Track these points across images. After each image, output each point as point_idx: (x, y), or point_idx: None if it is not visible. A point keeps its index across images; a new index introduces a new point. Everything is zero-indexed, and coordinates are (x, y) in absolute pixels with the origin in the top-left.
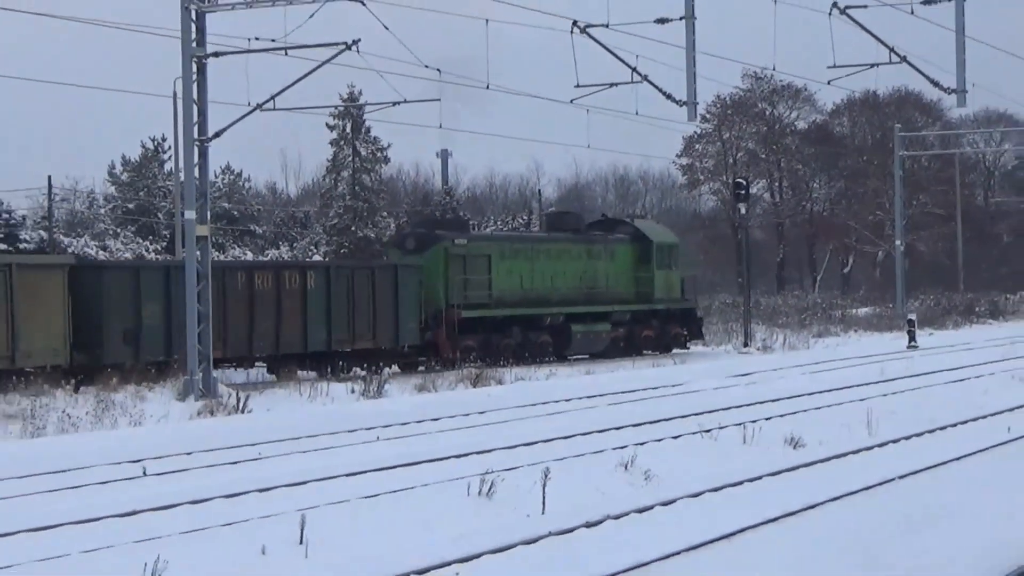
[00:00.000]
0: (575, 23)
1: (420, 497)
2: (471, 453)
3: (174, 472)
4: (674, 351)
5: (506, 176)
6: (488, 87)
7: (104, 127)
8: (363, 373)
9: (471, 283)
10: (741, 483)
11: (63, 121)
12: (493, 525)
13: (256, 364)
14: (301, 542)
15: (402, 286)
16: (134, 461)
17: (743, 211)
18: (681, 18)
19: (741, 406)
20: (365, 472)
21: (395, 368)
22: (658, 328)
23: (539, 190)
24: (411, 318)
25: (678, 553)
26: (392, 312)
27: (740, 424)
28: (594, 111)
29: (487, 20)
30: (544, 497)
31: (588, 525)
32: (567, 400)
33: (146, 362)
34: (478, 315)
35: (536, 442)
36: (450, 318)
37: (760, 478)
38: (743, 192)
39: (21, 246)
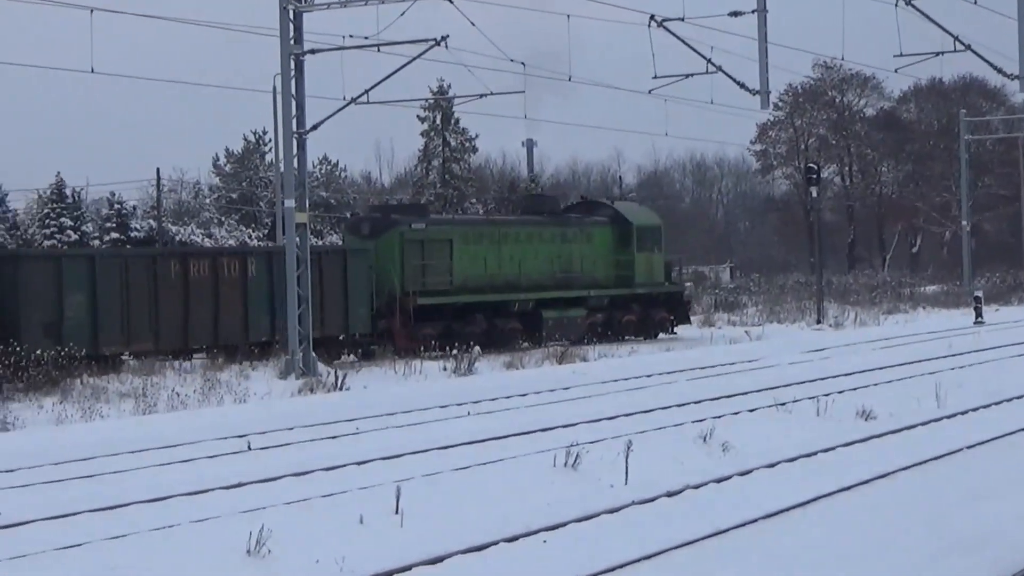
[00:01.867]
0: (652, 17)
1: (508, 469)
2: (557, 427)
3: (277, 446)
4: (660, 336)
5: (588, 164)
6: (570, 79)
7: (209, 121)
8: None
9: (430, 269)
10: (815, 454)
11: (171, 116)
12: (578, 495)
13: (194, 357)
14: (397, 512)
15: (351, 272)
16: (239, 436)
17: (815, 194)
18: (753, 11)
19: (815, 380)
20: (457, 445)
21: (352, 357)
22: (640, 313)
23: (620, 177)
24: (361, 305)
25: (755, 521)
26: (341, 300)
27: (814, 397)
28: (671, 101)
29: (568, 15)
30: (627, 468)
31: (669, 495)
32: (648, 376)
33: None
34: (436, 302)
35: (619, 416)
36: (405, 306)
37: (833, 449)
38: (815, 176)
39: (131, 235)
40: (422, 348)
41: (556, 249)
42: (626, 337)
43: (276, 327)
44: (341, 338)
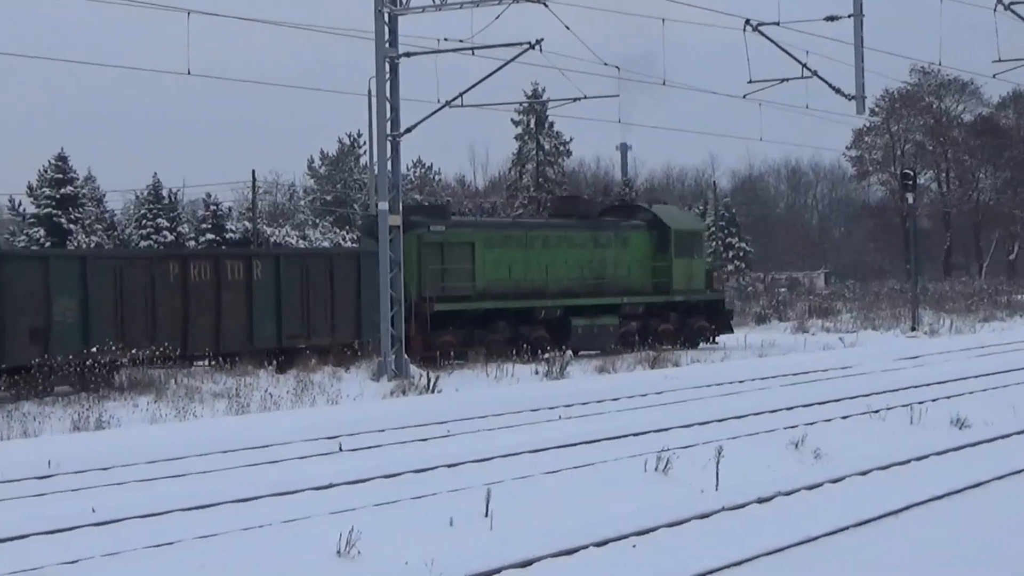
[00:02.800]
0: (747, 21)
1: (599, 473)
2: (648, 431)
3: (368, 448)
4: (701, 346)
5: (683, 168)
6: (664, 83)
7: (303, 124)
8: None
9: (450, 273)
10: (908, 462)
11: (266, 118)
12: (669, 500)
13: (195, 364)
14: (487, 514)
15: (365, 276)
16: (331, 437)
17: (911, 201)
18: (850, 15)
19: (908, 388)
20: (548, 449)
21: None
22: (678, 321)
23: (714, 181)
24: (376, 312)
25: (846, 528)
26: (353, 305)
27: (907, 405)
28: (766, 105)
29: (663, 19)
30: (718, 474)
31: (760, 501)
32: (740, 382)
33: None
34: (455, 308)
35: (710, 421)
36: (421, 312)
37: (926, 457)
38: (911, 182)
39: (227, 236)
40: (439, 356)
41: (588, 254)
42: (663, 347)
43: (283, 334)
44: (356, 345)
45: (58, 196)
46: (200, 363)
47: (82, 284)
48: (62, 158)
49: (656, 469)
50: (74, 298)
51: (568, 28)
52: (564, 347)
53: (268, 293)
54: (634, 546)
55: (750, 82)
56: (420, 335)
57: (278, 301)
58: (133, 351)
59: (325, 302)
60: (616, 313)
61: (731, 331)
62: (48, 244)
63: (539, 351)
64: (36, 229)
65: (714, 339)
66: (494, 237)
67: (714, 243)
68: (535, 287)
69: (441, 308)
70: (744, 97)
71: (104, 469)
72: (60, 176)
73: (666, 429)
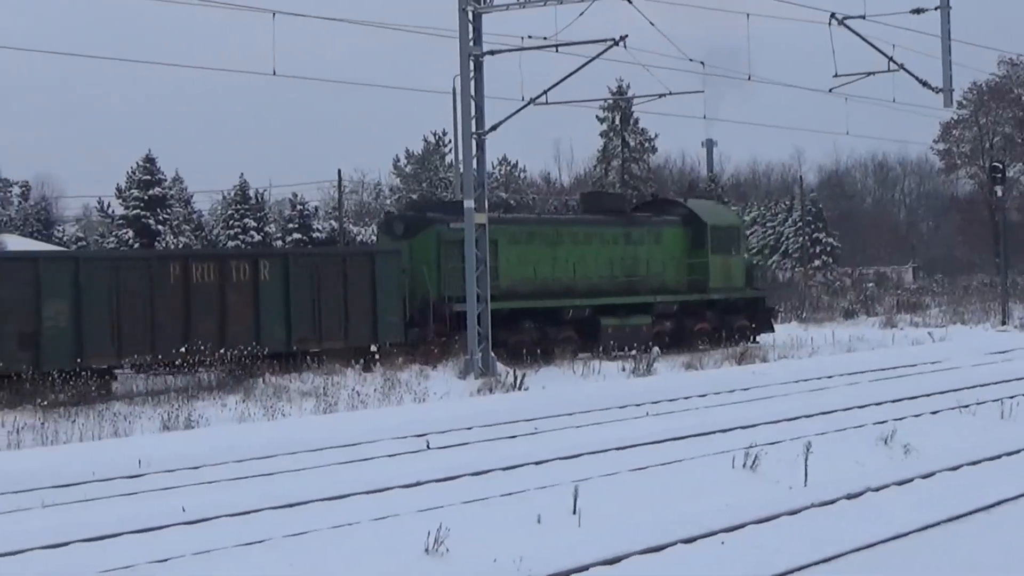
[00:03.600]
0: (833, 15)
1: (687, 469)
2: (736, 428)
3: (456, 446)
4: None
5: (768, 163)
6: (749, 78)
7: (389, 123)
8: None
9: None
10: (999, 457)
11: (352, 118)
12: (757, 496)
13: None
14: (574, 511)
15: (380, 277)
16: (418, 435)
17: (1000, 194)
18: (936, 7)
19: (999, 382)
20: (635, 446)
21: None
22: (715, 321)
23: (800, 176)
24: (392, 313)
25: (937, 524)
26: (368, 307)
27: (998, 400)
28: (852, 99)
29: (748, 15)
30: (806, 470)
31: (849, 497)
32: (828, 377)
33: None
34: None
35: (798, 417)
36: (440, 312)
37: (1018, 452)
38: (1000, 175)
39: (313, 235)
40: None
41: (619, 251)
42: (699, 347)
43: (292, 337)
44: (373, 349)
45: (146, 197)
46: (205, 368)
47: (75, 286)
48: (150, 160)
49: (744, 465)
50: (66, 301)
51: (652, 24)
52: (593, 349)
53: (276, 295)
54: (722, 543)
55: (836, 76)
56: (439, 337)
57: (287, 303)
58: (132, 356)
59: (338, 304)
60: (649, 312)
61: (772, 330)
62: (136, 245)
63: (567, 352)
64: (125, 230)
65: (754, 339)
66: (518, 234)
67: (801, 238)
68: (562, 286)
69: (461, 308)
70: (830, 91)
71: (193, 468)
72: (148, 177)
73: (754, 425)
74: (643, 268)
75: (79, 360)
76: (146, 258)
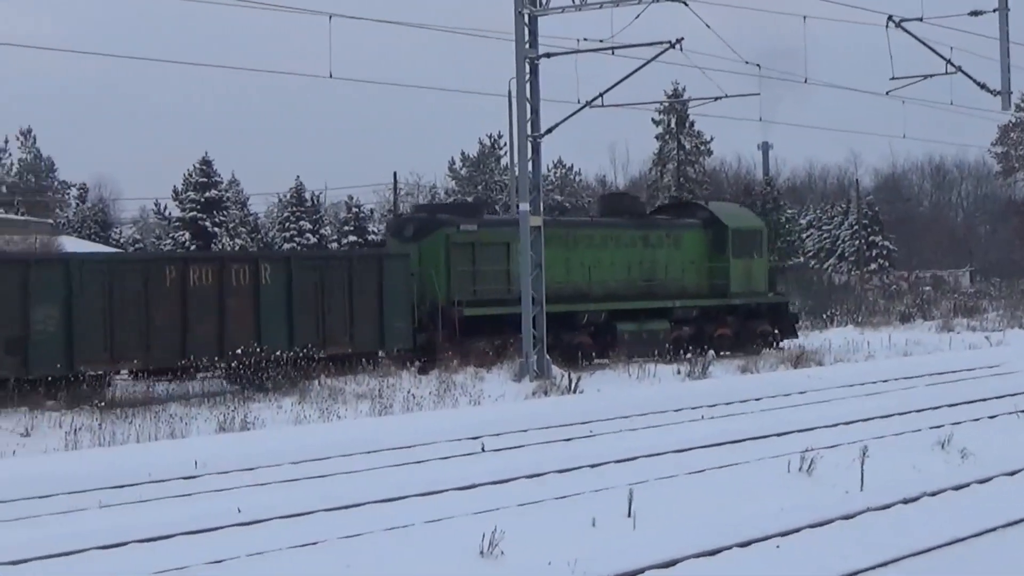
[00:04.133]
0: (890, 18)
1: (743, 473)
2: (791, 431)
3: (511, 448)
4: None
5: (824, 166)
6: (806, 81)
7: (444, 125)
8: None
9: (482, 275)
10: None
11: (407, 121)
12: (812, 501)
13: (199, 376)
14: (629, 515)
15: (388, 280)
16: (473, 438)
17: None
18: (995, 10)
19: None
20: (690, 449)
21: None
22: (737, 326)
23: (856, 180)
24: (400, 318)
25: (995, 529)
26: (375, 311)
27: None
28: (909, 102)
29: (804, 16)
30: (862, 474)
31: (905, 501)
32: (884, 381)
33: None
34: (486, 313)
35: (854, 421)
36: (449, 317)
37: None
38: None
39: (368, 238)
40: (472, 366)
41: (637, 254)
42: (721, 353)
43: (295, 343)
44: (380, 355)
45: (203, 200)
46: (204, 374)
47: (66, 290)
48: (206, 162)
49: (800, 469)
50: (56, 305)
51: (709, 27)
52: (609, 354)
53: (278, 299)
54: (778, 547)
55: (893, 79)
56: (448, 342)
57: (289, 308)
58: (126, 362)
59: (343, 309)
60: (667, 317)
61: (796, 336)
62: (193, 247)
63: (581, 359)
64: (181, 232)
65: (778, 344)
66: None
67: (857, 242)
68: (578, 290)
69: (472, 313)
70: (887, 94)
71: (249, 470)
72: (205, 180)
73: (809, 429)
74: (661, 272)
75: (70, 366)
76: (141, 261)
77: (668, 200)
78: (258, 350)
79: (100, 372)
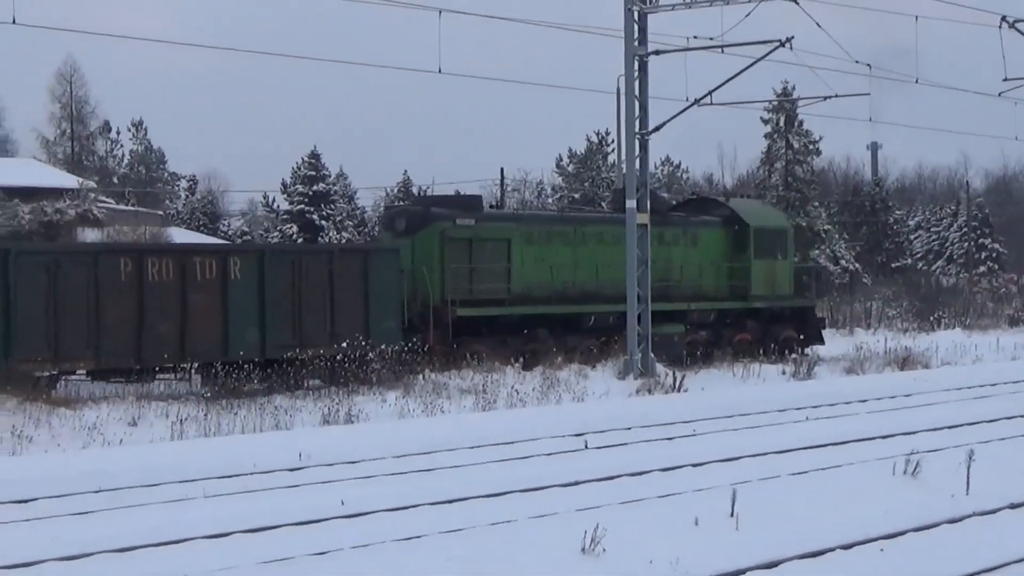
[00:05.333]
0: (1004, 18)
1: (846, 475)
2: (897, 434)
3: (614, 446)
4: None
5: (934, 167)
6: (917, 81)
7: (552, 122)
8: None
9: (480, 273)
10: None
11: (515, 116)
12: (917, 504)
13: (159, 378)
14: (732, 515)
15: (374, 277)
16: (577, 435)
17: None
18: None
19: None
20: (794, 450)
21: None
22: (758, 331)
23: (967, 181)
24: (388, 317)
25: None
26: (360, 310)
27: None
28: (1022, 104)
29: (916, 16)
30: (968, 478)
31: (1012, 507)
32: (992, 385)
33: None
34: (483, 313)
35: (961, 424)
36: (442, 318)
37: None
38: None
39: None
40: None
41: (651, 254)
42: (740, 359)
43: (267, 343)
44: (369, 357)
45: (311, 193)
46: (165, 376)
47: (2, 282)
48: (315, 155)
49: (904, 472)
50: None
51: (819, 26)
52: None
53: (249, 295)
54: (882, 550)
55: (1006, 80)
56: (441, 344)
57: (262, 305)
58: (71, 363)
59: (323, 306)
60: (682, 321)
61: (822, 342)
62: (300, 240)
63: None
64: (289, 225)
65: (802, 351)
66: (535, 233)
67: (966, 244)
68: (584, 290)
69: (466, 313)
70: (999, 95)
71: (353, 462)
72: (313, 173)
73: (915, 432)
74: (677, 273)
75: (4, 365)
76: (90, 252)
77: (688, 197)
78: (226, 352)
79: (44, 373)
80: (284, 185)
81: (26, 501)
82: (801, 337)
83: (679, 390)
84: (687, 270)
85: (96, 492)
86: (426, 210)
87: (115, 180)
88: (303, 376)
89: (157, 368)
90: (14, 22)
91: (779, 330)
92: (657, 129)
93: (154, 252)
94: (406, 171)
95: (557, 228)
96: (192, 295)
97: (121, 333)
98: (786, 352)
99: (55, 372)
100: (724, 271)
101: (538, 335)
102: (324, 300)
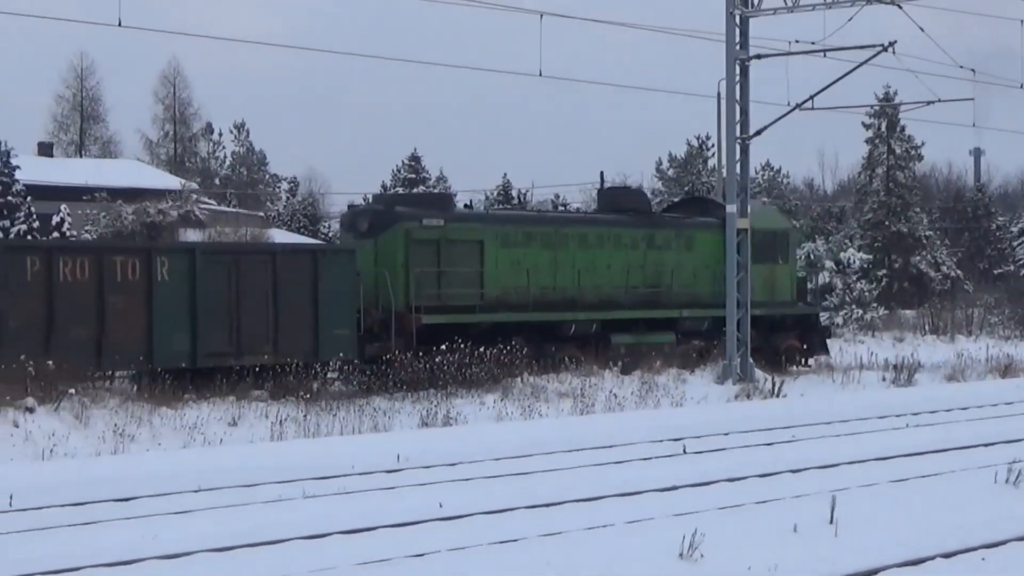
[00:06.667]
0: None
1: (947, 482)
2: (998, 442)
3: (712, 451)
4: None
5: None
6: (1022, 86)
7: (652, 126)
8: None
9: (449, 278)
10: None
11: (615, 120)
12: (1019, 513)
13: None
14: (831, 522)
15: (325, 280)
16: (675, 439)
17: None
18: None
19: None
20: (894, 457)
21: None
22: (757, 340)
23: None
24: (340, 324)
25: None
26: (309, 316)
27: None
28: None
29: (1022, 20)
30: None
31: None
32: None
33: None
34: (449, 321)
35: None
36: (406, 325)
37: None
38: None
39: None
40: (437, 380)
41: (639, 256)
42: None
43: (199, 351)
44: (317, 368)
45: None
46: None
47: None
48: (415, 158)
49: (1007, 481)
50: None
51: (923, 30)
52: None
53: (178, 299)
54: (983, 559)
55: None
56: (404, 354)
57: (193, 309)
58: None
59: (264, 312)
60: (671, 329)
61: (827, 352)
62: None
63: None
64: None
65: (806, 362)
66: (510, 234)
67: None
68: (565, 296)
69: (432, 320)
70: None
71: (451, 465)
72: (413, 176)
73: (1017, 440)
74: (668, 277)
75: None
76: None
77: (681, 198)
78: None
79: None
80: (384, 187)
81: (128, 499)
82: (804, 347)
83: (778, 395)
84: (679, 275)
85: (196, 491)
86: (389, 209)
87: (217, 181)
88: (240, 387)
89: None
90: (120, 25)
91: (780, 339)
92: (758, 133)
93: (66, 250)
94: (505, 174)
95: (535, 229)
96: (111, 297)
97: (25, 337)
98: (785, 361)
99: None
100: (720, 276)
101: (513, 344)
102: (266, 305)
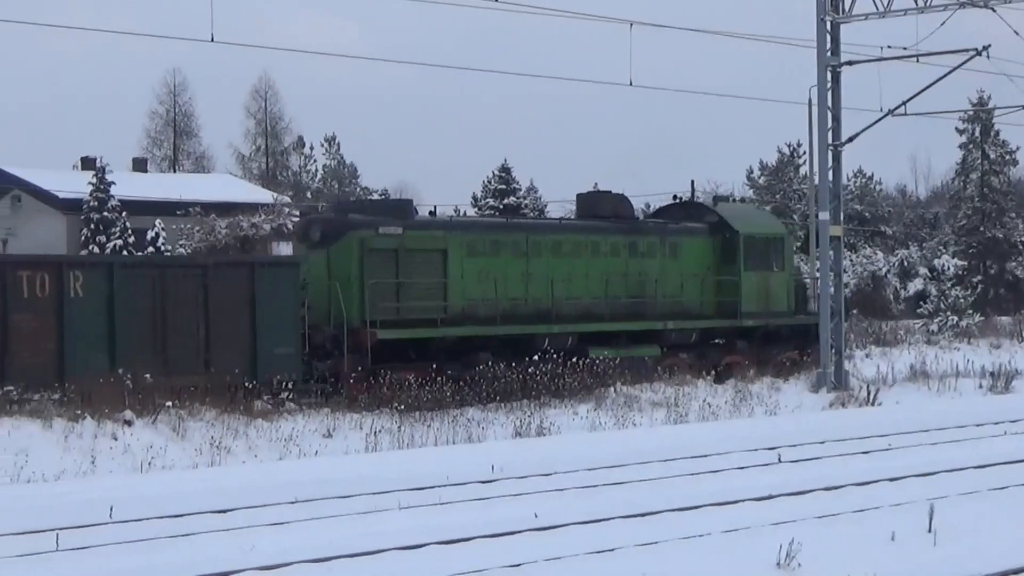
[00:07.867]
0: None
1: None
2: None
3: (807, 460)
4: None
5: None
6: None
7: (742, 133)
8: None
9: (409, 290)
10: None
11: (706, 129)
12: None
13: None
14: (930, 530)
15: (263, 295)
16: (769, 448)
17: None
18: None
19: None
20: (993, 465)
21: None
22: (751, 353)
23: None
24: (282, 342)
25: None
26: (245, 333)
27: None
28: None
29: None
30: None
31: None
32: None
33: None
34: (409, 336)
35: None
36: (360, 341)
37: None
38: None
39: None
40: (392, 401)
41: (619, 265)
42: (729, 383)
43: (117, 367)
44: (251, 387)
45: (501, 206)
46: None
47: None
48: (506, 169)
49: None
50: None
51: (1017, 33)
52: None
53: (95, 315)
54: None
55: None
56: (359, 373)
57: (111, 327)
58: None
59: (195, 329)
60: (656, 342)
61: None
62: None
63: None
64: None
65: (801, 374)
66: (477, 242)
67: None
68: (538, 308)
69: (389, 336)
70: None
71: (545, 475)
72: (503, 187)
73: None
74: (652, 287)
75: None
76: None
77: (670, 202)
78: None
79: None
80: (475, 199)
81: (225, 511)
82: (804, 358)
83: (873, 403)
84: (665, 284)
85: (292, 503)
86: (342, 217)
87: (308, 195)
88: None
89: None
90: (212, 40)
91: (776, 351)
92: (850, 140)
93: None
94: (596, 184)
95: (504, 237)
96: (15, 315)
97: None
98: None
99: None
100: (710, 285)
101: (480, 359)
102: (196, 322)
